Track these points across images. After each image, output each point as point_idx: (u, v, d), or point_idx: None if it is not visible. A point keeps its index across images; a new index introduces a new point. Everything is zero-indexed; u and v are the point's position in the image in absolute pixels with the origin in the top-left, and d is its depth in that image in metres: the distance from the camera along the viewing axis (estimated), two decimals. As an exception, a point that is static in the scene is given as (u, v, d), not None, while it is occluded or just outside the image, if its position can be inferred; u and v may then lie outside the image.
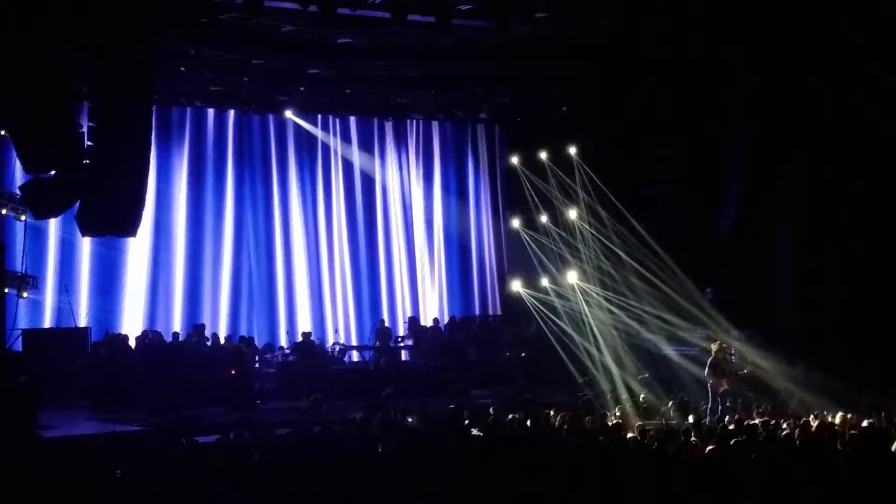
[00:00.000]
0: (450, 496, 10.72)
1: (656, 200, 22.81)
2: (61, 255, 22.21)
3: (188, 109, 23.77)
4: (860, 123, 18.65)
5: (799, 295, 20.66)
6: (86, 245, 22.15)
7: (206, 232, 24.08)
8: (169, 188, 23.41)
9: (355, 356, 24.28)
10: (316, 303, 25.20)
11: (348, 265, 25.82)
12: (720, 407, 17.09)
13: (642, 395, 18.64)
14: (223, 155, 24.45)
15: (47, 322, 21.88)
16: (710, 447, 11.55)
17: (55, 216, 18.64)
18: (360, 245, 26.08)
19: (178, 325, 23.04)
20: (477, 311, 26.97)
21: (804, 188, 20.31)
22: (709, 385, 17.59)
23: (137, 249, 22.77)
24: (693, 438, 12.55)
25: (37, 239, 21.46)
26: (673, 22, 19.02)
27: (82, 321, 21.57)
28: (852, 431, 12.48)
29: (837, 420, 14.31)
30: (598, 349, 20.62)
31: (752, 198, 20.97)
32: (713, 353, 17.72)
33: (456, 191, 27.33)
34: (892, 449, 11.32)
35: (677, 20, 18.96)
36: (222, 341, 22.18)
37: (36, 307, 21.43)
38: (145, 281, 23.15)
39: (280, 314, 24.76)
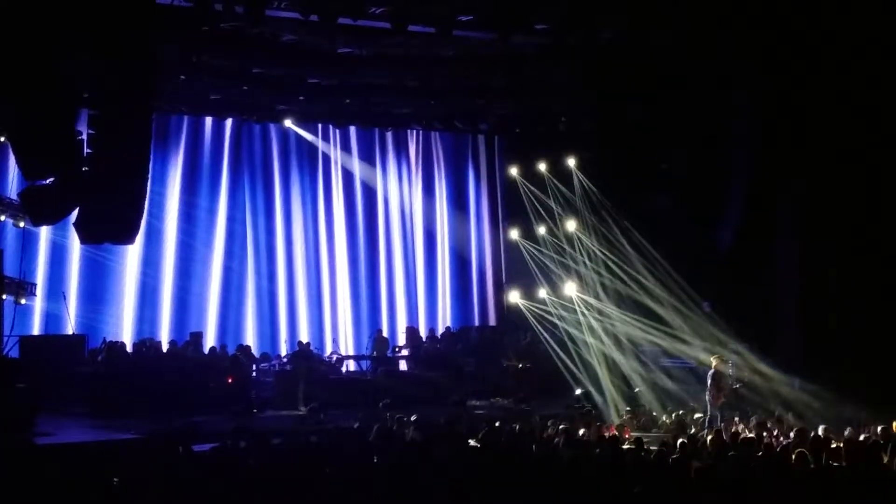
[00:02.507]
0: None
1: (656, 212, 22.80)
2: (51, 259, 22.18)
3: (185, 116, 23.79)
4: (866, 141, 18.64)
5: (799, 309, 20.63)
6: (76, 249, 22.12)
7: (198, 239, 24.08)
8: (163, 194, 23.38)
9: (352, 366, 24.24)
10: (314, 312, 25.22)
11: (347, 274, 25.83)
12: (719, 419, 17.09)
13: (639, 407, 18.67)
14: (219, 162, 24.49)
15: (36, 328, 21.82)
16: (706, 460, 11.57)
17: (54, 223, 18.63)
18: (360, 254, 26.11)
19: (166, 330, 23.09)
20: (476, 322, 26.98)
21: (807, 201, 20.29)
22: (707, 397, 17.58)
23: (128, 255, 22.73)
24: (689, 451, 12.56)
25: (27, 243, 21.42)
26: (675, 33, 19.04)
27: (71, 327, 21.46)
28: (848, 446, 12.49)
29: (833, 434, 14.35)
30: (596, 361, 20.63)
31: (754, 210, 20.97)
32: (713, 366, 17.71)
33: (456, 201, 27.38)
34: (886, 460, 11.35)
35: (679, 31, 18.98)
36: (218, 349, 22.15)
37: (24, 312, 21.27)
38: (135, 287, 23.11)
39: (280, 323, 24.78)
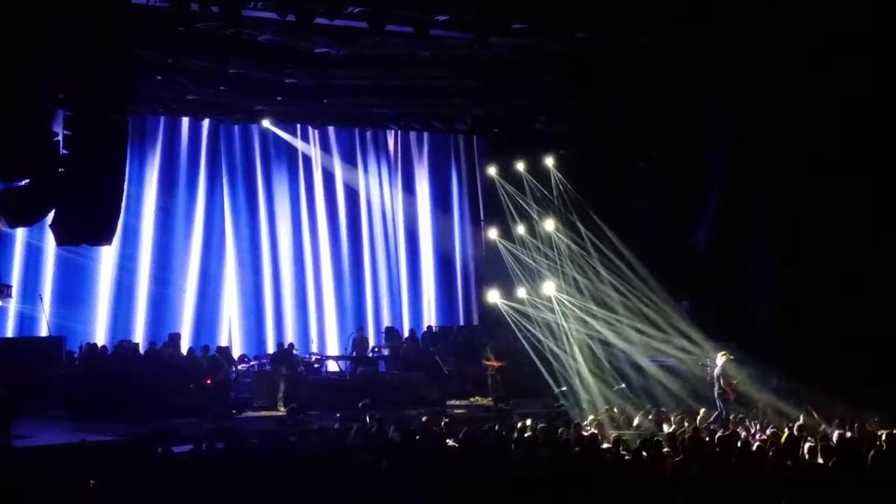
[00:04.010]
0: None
1: (634, 212, 22.86)
2: (27, 261, 22.02)
3: (162, 117, 23.66)
4: (839, 138, 18.75)
5: (776, 307, 20.73)
6: (51, 251, 21.97)
7: (176, 240, 23.93)
8: (140, 195, 23.25)
9: (333, 366, 24.14)
10: (295, 312, 25.09)
11: (330, 274, 25.68)
12: (728, 416, 17.09)
13: (617, 406, 18.70)
14: (197, 163, 24.41)
15: (10, 330, 21.68)
16: (683, 457, 11.62)
17: (30, 225, 18.53)
18: (342, 254, 25.92)
19: (141, 332, 22.94)
20: (462, 321, 26.91)
21: (783, 201, 20.38)
22: (717, 395, 17.55)
23: (104, 256, 22.58)
24: (667, 449, 12.61)
25: (2, 245, 21.34)
26: (653, 35, 19.10)
27: (45, 329, 21.28)
28: (824, 443, 12.59)
29: (809, 432, 14.45)
30: (575, 360, 20.66)
31: (731, 210, 21.05)
32: (720, 364, 17.67)
33: (437, 201, 27.27)
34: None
35: (657, 34, 19.04)
36: (197, 351, 22.04)
37: (-3, 314, 21.26)
38: (111, 288, 22.95)
39: (262, 324, 24.67)
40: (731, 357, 17.86)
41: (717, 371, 17.68)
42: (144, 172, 23.52)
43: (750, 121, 20.09)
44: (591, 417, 17.59)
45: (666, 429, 15.83)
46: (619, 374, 20.43)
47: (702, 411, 17.16)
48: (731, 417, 16.97)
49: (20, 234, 21.53)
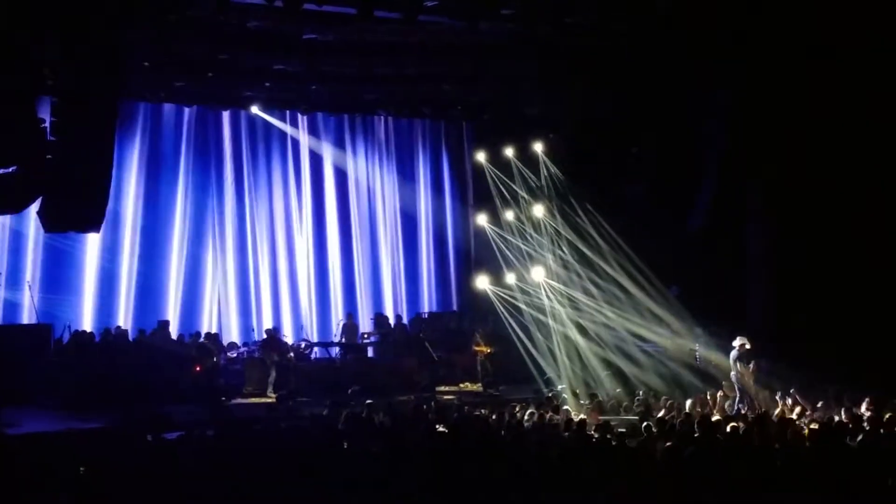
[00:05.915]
0: (416, 492, 10.74)
1: (625, 197, 22.86)
2: (12, 247, 21.82)
3: (149, 104, 23.45)
4: (833, 123, 18.81)
5: (769, 292, 20.79)
6: (34, 237, 21.75)
7: (162, 226, 23.74)
8: (125, 180, 23.05)
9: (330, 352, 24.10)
10: (287, 298, 25.05)
11: (320, 259, 25.61)
12: (746, 401, 17.11)
13: (606, 392, 18.77)
14: (183, 147, 24.21)
15: (-3, 318, 21.57)
16: (670, 443, 11.64)
17: (17, 212, 18.48)
18: (332, 240, 25.83)
19: (126, 318, 22.77)
20: (456, 306, 26.93)
21: (776, 186, 20.42)
22: (735, 379, 17.55)
23: (89, 242, 22.38)
24: (656, 433, 12.65)
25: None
26: (644, 20, 19.07)
27: (30, 316, 21.17)
28: (813, 426, 12.64)
29: (797, 415, 14.52)
30: (564, 346, 20.70)
31: (724, 195, 21.07)
32: (738, 348, 17.66)
33: (428, 186, 27.24)
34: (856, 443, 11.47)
35: (648, 19, 19.01)
36: (187, 338, 22.04)
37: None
38: (96, 274, 22.76)
39: (251, 310, 24.52)
40: (748, 345, 17.77)
41: (733, 355, 17.67)
42: (129, 158, 23.23)
43: (745, 105, 20.11)
44: (580, 403, 17.64)
45: (656, 414, 15.88)
46: (609, 359, 20.48)
47: (688, 402, 17.22)
48: (749, 401, 17.04)
49: (8, 221, 21.38)
